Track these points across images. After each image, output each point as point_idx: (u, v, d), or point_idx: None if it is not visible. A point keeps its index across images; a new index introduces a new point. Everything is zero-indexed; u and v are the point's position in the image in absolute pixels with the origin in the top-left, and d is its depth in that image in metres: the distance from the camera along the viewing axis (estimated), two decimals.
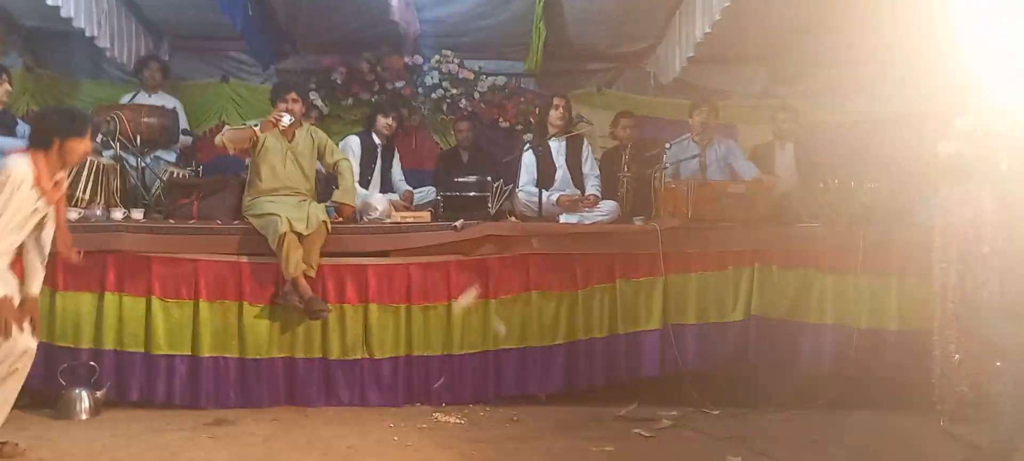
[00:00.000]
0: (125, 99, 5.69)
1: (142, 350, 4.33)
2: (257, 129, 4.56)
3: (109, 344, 4.32)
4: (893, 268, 4.58)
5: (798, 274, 4.65)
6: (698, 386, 4.06)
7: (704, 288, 4.66)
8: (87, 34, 5.20)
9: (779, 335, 4.62)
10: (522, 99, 6.40)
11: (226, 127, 4.69)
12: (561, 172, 5.33)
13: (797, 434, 4.05)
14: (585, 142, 5.47)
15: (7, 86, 4.81)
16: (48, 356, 4.25)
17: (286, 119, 4.53)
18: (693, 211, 4.73)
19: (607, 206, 5.10)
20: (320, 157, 4.83)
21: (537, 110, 6.15)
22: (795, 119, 5.74)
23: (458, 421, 4.26)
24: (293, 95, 4.69)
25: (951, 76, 5.11)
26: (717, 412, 4.32)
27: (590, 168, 5.41)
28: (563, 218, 4.98)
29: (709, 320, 4.64)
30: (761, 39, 6.15)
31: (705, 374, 4.54)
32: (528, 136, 5.50)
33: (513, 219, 4.92)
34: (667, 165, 5.16)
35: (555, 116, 5.33)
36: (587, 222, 4.89)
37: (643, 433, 4.00)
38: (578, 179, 5.30)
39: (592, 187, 5.31)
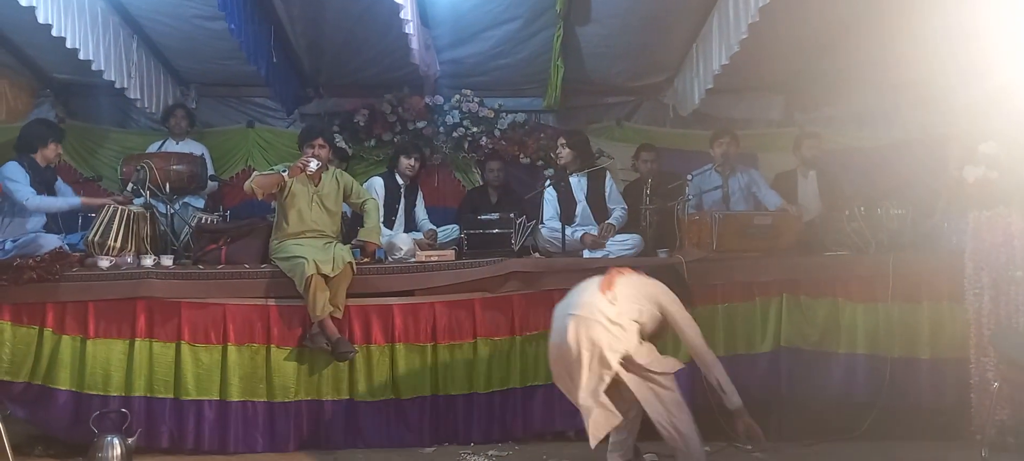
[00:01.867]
0: (153, 147, 5.80)
1: (172, 396, 4.36)
2: (285, 175, 4.62)
3: (139, 390, 4.35)
4: (924, 295, 4.52)
5: (827, 303, 4.60)
6: (729, 420, 4.00)
7: (732, 320, 4.62)
8: (117, 85, 5.34)
9: (810, 366, 4.56)
10: (542, 135, 6.44)
11: (254, 173, 4.77)
12: (581, 207, 5.32)
13: None
14: (607, 175, 5.47)
15: (58, 148, 4.96)
16: (78, 404, 4.33)
17: (313, 164, 4.60)
18: (718, 242, 4.71)
19: (631, 240, 5.08)
20: (346, 198, 4.89)
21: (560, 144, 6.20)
22: (820, 147, 5.71)
23: (487, 460, 4.23)
24: (320, 141, 4.77)
25: (971, 99, 5.11)
26: (749, 447, 4.25)
27: (614, 200, 5.39)
28: (586, 254, 4.97)
29: (738, 352, 4.58)
30: (778, 67, 6.17)
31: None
32: (549, 171, 5.52)
33: (537, 255, 4.91)
34: (690, 197, 5.15)
35: (563, 155, 5.35)
36: (611, 257, 4.87)
37: None
38: (599, 213, 5.29)
39: (617, 217, 5.29)
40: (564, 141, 5.38)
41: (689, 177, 5.26)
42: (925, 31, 4.97)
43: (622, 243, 5.03)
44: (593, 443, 3.48)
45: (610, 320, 3.43)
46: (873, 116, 6.29)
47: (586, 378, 3.41)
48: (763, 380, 4.56)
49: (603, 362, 3.41)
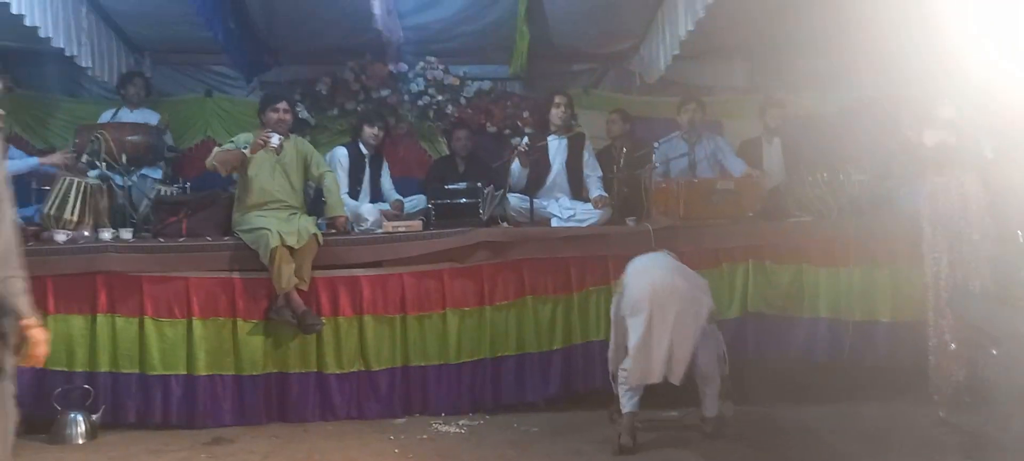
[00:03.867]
0: (106, 116, 5.62)
1: (137, 371, 4.30)
2: (247, 151, 4.51)
3: (103, 366, 4.29)
4: (884, 259, 4.63)
5: (791, 269, 4.69)
6: (696, 385, 4.07)
7: None
8: (67, 53, 5.12)
9: (775, 330, 4.65)
10: (508, 103, 6.38)
11: (215, 149, 4.65)
12: (556, 171, 5.27)
13: (796, 427, 4.09)
14: (587, 141, 5.41)
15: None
16: (41, 380, 4.22)
17: (275, 140, 4.50)
18: (685, 210, 4.75)
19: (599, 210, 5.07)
20: (305, 168, 4.80)
21: (526, 112, 6.13)
22: (783, 114, 5.76)
23: (458, 430, 4.27)
24: (284, 105, 4.69)
25: (929, 62, 5.18)
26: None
27: (591, 168, 5.33)
28: (555, 223, 4.95)
29: None
30: (743, 33, 6.17)
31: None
32: (517, 139, 5.45)
33: (505, 225, 4.90)
34: (657, 164, 5.16)
35: (556, 114, 5.24)
36: (583, 225, 4.87)
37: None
38: (575, 179, 5.26)
39: (595, 186, 5.26)
40: (562, 99, 5.29)
41: (656, 145, 5.27)
42: None
43: (591, 211, 5.02)
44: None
45: None
46: (836, 79, 6.35)
47: None
48: (730, 345, 4.60)
49: None
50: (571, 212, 5.03)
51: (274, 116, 4.62)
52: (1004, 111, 4.13)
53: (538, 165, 5.20)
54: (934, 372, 4.12)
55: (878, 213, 4.78)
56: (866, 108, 5.84)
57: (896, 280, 4.59)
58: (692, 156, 5.38)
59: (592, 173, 5.32)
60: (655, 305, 3.78)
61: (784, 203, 5.15)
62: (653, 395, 4.18)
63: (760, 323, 4.67)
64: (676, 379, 3.81)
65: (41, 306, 4.16)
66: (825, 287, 4.64)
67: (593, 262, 4.71)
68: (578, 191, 5.31)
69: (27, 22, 4.64)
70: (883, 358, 4.54)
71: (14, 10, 4.49)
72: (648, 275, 3.93)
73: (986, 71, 4.25)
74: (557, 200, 5.16)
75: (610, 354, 4.09)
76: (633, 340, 3.83)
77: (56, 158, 4.80)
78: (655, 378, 3.81)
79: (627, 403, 3.85)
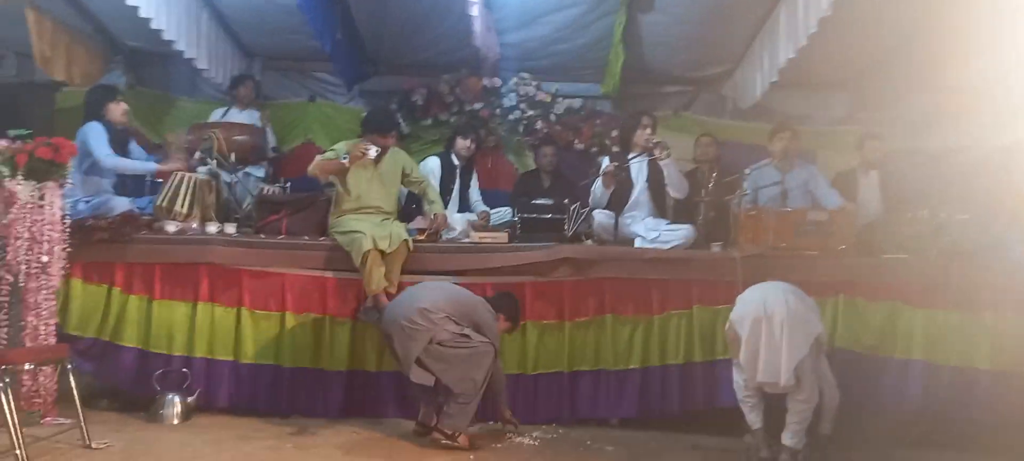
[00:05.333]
0: (217, 115, 5.97)
1: (231, 358, 4.52)
2: (346, 163, 4.68)
3: (200, 351, 4.53)
4: (986, 304, 4.40)
5: (885, 307, 4.52)
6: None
7: None
8: (186, 55, 5.49)
9: (864, 369, 4.48)
10: (598, 122, 6.42)
11: (317, 157, 4.85)
12: (639, 190, 5.24)
13: None
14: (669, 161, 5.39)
15: (124, 106, 5.10)
16: (143, 361, 4.52)
17: (372, 152, 4.65)
18: (774, 239, 4.65)
19: (683, 230, 5.00)
20: (404, 179, 4.95)
21: (615, 132, 6.13)
22: (882, 147, 5.57)
23: (531, 442, 4.29)
24: (393, 133, 4.90)
25: None
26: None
27: (671, 182, 5.21)
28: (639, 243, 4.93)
29: None
30: (845, 64, 6.04)
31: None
32: (603, 159, 5.46)
33: (590, 243, 4.92)
34: (747, 191, 5.08)
35: (641, 136, 5.20)
36: (665, 247, 4.84)
37: None
38: (658, 196, 5.23)
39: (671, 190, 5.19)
40: (648, 121, 5.26)
41: (747, 171, 5.19)
42: (994, 36, 4.82)
43: (675, 232, 4.97)
44: None
45: None
46: (938, 119, 6.10)
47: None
48: None
49: None
50: (656, 233, 5.00)
51: (381, 141, 4.77)
52: None
53: (621, 184, 5.20)
54: None
55: (983, 257, 4.55)
56: (974, 151, 5.59)
57: (999, 328, 4.35)
58: (784, 185, 5.25)
59: (671, 187, 5.22)
60: (764, 312, 3.89)
61: (879, 239, 4.97)
62: (730, 425, 4.15)
63: (849, 360, 4.50)
64: (784, 381, 3.83)
65: (149, 291, 4.50)
66: (920, 329, 4.45)
67: (675, 285, 4.67)
68: (662, 210, 5.26)
69: (153, 25, 5.02)
70: (981, 409, 4.31)
71: (142, 13, 4.85)
72: (760, 289, 4.06)
73: None
74: (642, 220, 5.14)
75: (734, 374, 4.12)
76: (743, 347, 3.92)
77: (173, 166, 5.03)
78: (761, 378, 3.88)
79: (754, 419, 3.99)
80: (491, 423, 4.52)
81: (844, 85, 6.47)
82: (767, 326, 3.86)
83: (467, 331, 4.05)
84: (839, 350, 4.50)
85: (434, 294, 4.13)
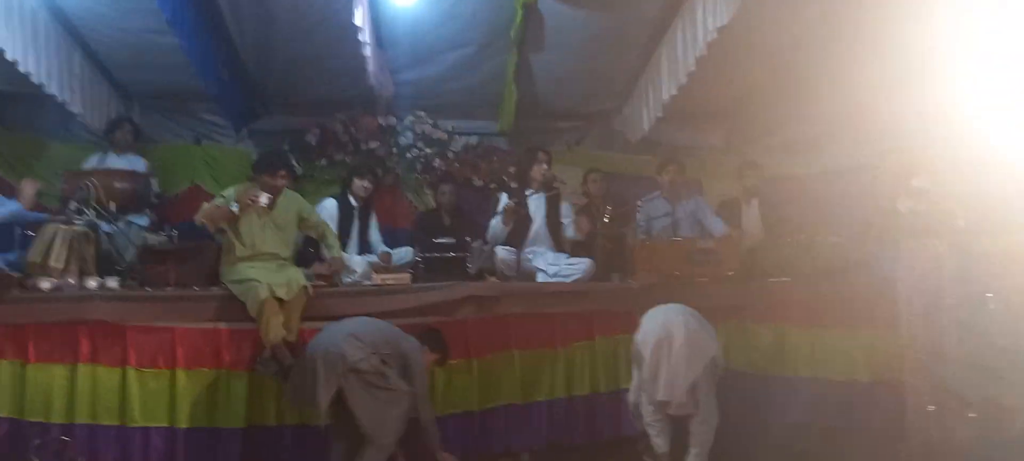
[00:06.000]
0: (92, 160, 5.61)
1: (117, 423, 4.23)
2: (235, 210, 4.50)
3: (82, 417, 4.21)
4: (861, 320, 4.74)
5: (771, 328, 4.79)
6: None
7: None
8: (59, 99, 5.15)
9: (754, 389, 4.72)
10: (495, 158, 6.50)
11: (205, 205, 4.63)
12: (537, 226, 5.34)
13: None
14: (562, 198, 5.54)
15: None
16: (17, 432, 4.15)
17: (263, 199, 4.50)
18: (667, 267, 4.86)
19: (583, 264, 5.15)
20: (301, 222, 4.82)
21: (512, 168, 6.23)
22: (760, 175, 5.94)
23: None
24: (283, 172, 4.67)
25: (905, 133, 5.41)
26: None
27: (566, 215, 5.44)
28: (542, 278, 5.03)
29: None
30: (724, 98, 6.39)
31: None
32: (502, 196, 5.54)
33: (493, 279, 4.96)
34: (640, 222, 5.27)
35: (538, 171, 5.33)
36: (567, 281, 4.95)
37: None
38: (556, 231, 5.35)
39: (567, 229, 5.36)
40: (545, 156, 5.39)
41: (639, 203, 5.39)
42: (853, 66, 5.24)
43: (575, 266, 5.10)
44: None
45: None
46: (812, 146, 6.55)
47: None
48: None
49: None
50: (556, 267, 5.11)
51: (270, 182, 4.60)
52: (976, 181, 4.33)
53: (520, 220, 5.28)
54: (910, 433, 4.20)
55: (856, 275, 4.91)
56: (842, 175, 6.03)
57: (874, 341, 4.69)
58: (674, 215, 5.51)
59: (567, 220, 5.39)
60: (664, 333, 4.08)
61: (763, 263, 5.27)
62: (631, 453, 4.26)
63: (740, 382, 4.72)
64: (676, 403, 4.01)
65: (21, 354, 4.16)
66: (804, 347, 4.73)
67: (577, 318, 4.79)
68: (559, 245, 5.38)
69: (20, 68, 4.68)
70: (861, 419, 4.61)
71: (9, 56, 4.53)
72: (663, 311, 4.28)
73: (960, 142, 4.47)
74: (541, 254, 5.23)
75: (630, 394, 4.26)
76: (645, 366, 4.08)
77: (38, 208, 4.69)
78: (660, 396, 4.04)
79: (660, 443, 4.14)
80: None
81: (723, 116, 6.84)
82: (667, 346, 4.05)
83: (389, 372, 3.96)
84: (730, 371, 4.72)
85: (363, 325, 4.08)
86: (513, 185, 5.76)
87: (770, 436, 4.55)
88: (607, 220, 5.26)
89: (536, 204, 5.38)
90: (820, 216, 5.59)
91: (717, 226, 5.52)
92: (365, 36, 4.74)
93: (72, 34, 5.25)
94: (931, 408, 4.01)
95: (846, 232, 5.19)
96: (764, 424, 4.63)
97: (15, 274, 4.42)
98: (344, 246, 5.29)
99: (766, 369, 4.76)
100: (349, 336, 3.94)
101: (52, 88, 5.01)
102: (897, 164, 5.18)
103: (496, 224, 5.21)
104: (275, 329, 4.25)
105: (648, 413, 4.17)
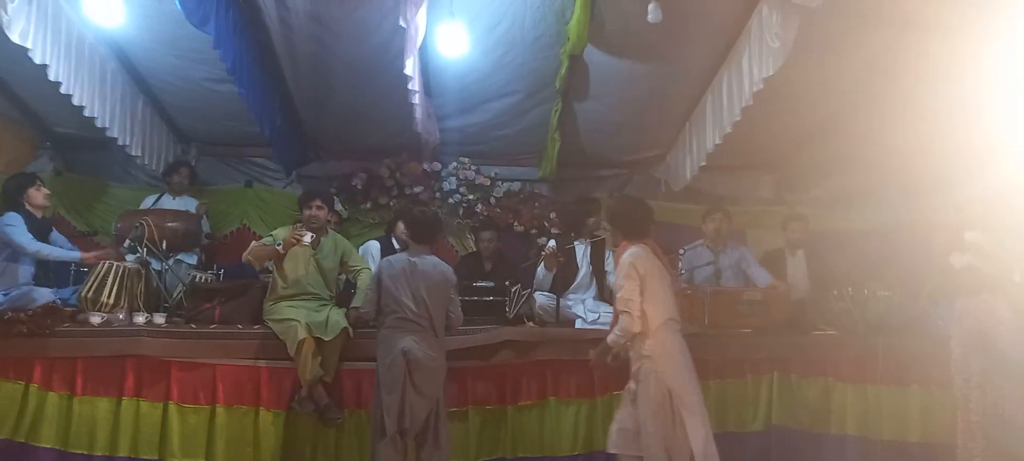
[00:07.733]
0: (148, 201, 5.83)
1: (156, 457, 4.29)
2: (280, 249, 4.61)
3: (124, 451, 4.29)
4: (913, 378, 4.56)
5: (818, 383, 4.63)
6: None
7: (723, 396, 4.64)
8: (120, 142, 5.39)
9: (801, 446, 4.55)
10: (536, 204, 6.52)
11: (253, 243, 4.74)
12: (583, 273, 5.32)
13: None
14: (606, 245, 5.50)
15: (45, 191, 4.94)
16: None
17: (307, 238, 4.60)
18: (710, 318, 4.75)
19: None
20: (343, 265, 4.90)
21: (554, 213, 6.22)
22: (806, 228, 5.81)
23: None
24: (318, 202, 4.77)
25: (954, 186, 5.25)
26: None
27: (611, 265, 5.40)
28: (579, 324, 4.98)
29: (729, 429, 4.58)
30: (769, 148, 6.33)
31: None
32: (549, 240, 5.52)
33: (531, 324, 4.93)
34: (682, 271, 5.20)
35: (592, 222, 5.34)
36: (606, 327, 4.88)
37: None
38: (601, 278, 5.32)
39: (610, 275, 5.28)
40: (596, 207, 5.38)
41: (681, 252, 5.32)
42: (912, 122, 5.14)
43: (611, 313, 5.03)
44: None
45: None
46: (860, 199, 6.42)
47: None
48: (754, 460, 4.56)
49: None
50: (596, 315, 5.05)
51: (307, 212, 4.73)
52: None
53: (566, 267, 5.26)
54: None
55: (907, 332, 4.74)
56: (895, 230, 5.88)
57: (926, 401, 4.50)
58: (717, 265, 5.41)
59: (611, 267, 5.33)
60: None
61: (808, 316, 5.13)
62: None
63: (786, 438, 4.58)
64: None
65: (69, 387, 4.27)
66: (853, 404, 4.56)
67: (617, 366, 4.69)
68: (603, 292, 5.33)
69: (86, 113, 4.92)
70: None
71: (76, 101, 4.77)
72: None
73: (1013, 195, 4.31)
74: (583, 301, 5.19)
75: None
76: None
77: (98, 255, 4.88)
78: None
79: None
80: None
81: (770, 167, 6.77)
82: None
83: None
84: (775, 427, 4.58)
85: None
86: (555, 231, 5.75)
87: None
88: None
89: (582, 252, 5.37)
90: (870, 270, 5.44)
91: (762, 277, 5.40)
92: (415, 85, 4.84)
93: (138, 82, 5.53)
94: None
95: (898, 287, 5.02)
96: None
97: (68, 308, 4.59)
98: None
99: (812, 426, 4.59)
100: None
101: (114, 132, 5.25)
102: (950, 218, 5.01)
103: (540, 269, 5.21)
104: (312, 369, 4.29)
105: None
